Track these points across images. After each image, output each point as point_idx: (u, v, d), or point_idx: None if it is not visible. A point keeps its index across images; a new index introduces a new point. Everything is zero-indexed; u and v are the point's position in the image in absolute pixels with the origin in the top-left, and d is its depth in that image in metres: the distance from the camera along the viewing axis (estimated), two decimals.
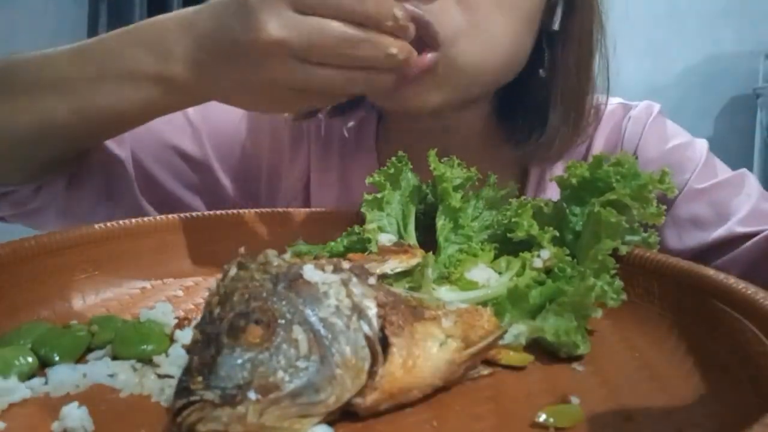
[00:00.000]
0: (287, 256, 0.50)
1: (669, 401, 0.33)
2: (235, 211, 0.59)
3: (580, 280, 0.41)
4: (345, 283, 0.32)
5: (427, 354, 0.32)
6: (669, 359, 0.39)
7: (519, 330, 0.39)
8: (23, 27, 1.60)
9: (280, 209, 0.60)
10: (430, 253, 0.47)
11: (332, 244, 0.53)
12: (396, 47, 0.47)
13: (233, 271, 0.31)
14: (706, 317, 0.39)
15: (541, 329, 0.38)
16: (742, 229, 0.63)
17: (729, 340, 0.36)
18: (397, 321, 0.32)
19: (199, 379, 0.27)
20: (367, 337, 0.31)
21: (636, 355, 0.39)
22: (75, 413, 0.29)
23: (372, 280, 0.35)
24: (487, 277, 0.44)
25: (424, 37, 0.54)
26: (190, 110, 0.72)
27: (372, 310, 0.32)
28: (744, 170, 0.70)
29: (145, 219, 0.53)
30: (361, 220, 0.55)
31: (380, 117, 0.77)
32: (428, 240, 0.52)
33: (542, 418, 0.31)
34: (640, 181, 0.46)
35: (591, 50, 0.66)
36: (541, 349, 0.39)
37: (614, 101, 0.77)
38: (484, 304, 0.42)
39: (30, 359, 0.35)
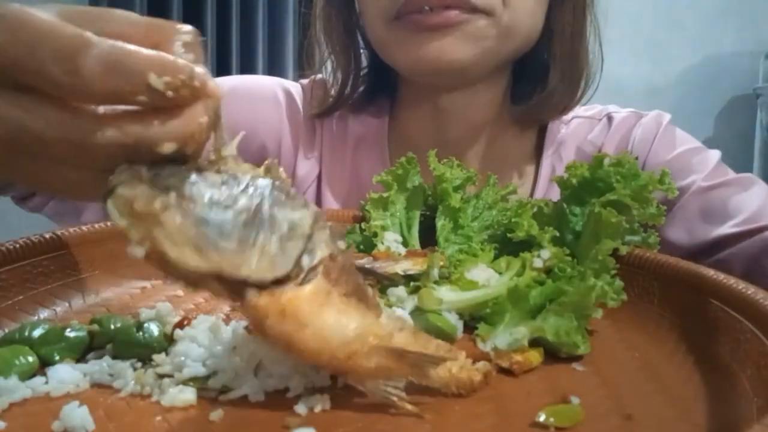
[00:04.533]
0: None
1: (669, 401, 0.33)
2: None
3: (580, 280, 0.41)
4: (316, 219, 0.31)
5: (340, 317, 0.30)
6: (669, 359, 0.39)
7: (519, 331, 0.39)
8: None
9: None
10: (437, 252, 0.48)
11: None
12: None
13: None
14: (706, 317, 0.39)
15: (541, 329, 0.38)
16: (746, 227, 0.64)
17: (729, 340, 0.37)
18: (335, 278, 0.31)
19: (146, 168, 0.28)
20: (298, 257, 0.30)
21: (636, 355, 0.39)
22: (75, 413, 0.29)
23: (342, 244, 0.34)
24: (487, 277, 0.44)
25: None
26: None
27: (322, 252, 0.31)
28: (752, 174, 0.72)
29: None
30: (361, 221, 0.55)
31: (392, 111, 0.78)
32: (428, 240, 0.52)
33: (542, 418, 0.31)
34: (641, 181, 0.46)
35: (583, 12, 0.71)
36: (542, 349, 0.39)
37: (626, 110, 0.79)
38: (484, 304, 0.42)
39: (30, 359, 0.35)
